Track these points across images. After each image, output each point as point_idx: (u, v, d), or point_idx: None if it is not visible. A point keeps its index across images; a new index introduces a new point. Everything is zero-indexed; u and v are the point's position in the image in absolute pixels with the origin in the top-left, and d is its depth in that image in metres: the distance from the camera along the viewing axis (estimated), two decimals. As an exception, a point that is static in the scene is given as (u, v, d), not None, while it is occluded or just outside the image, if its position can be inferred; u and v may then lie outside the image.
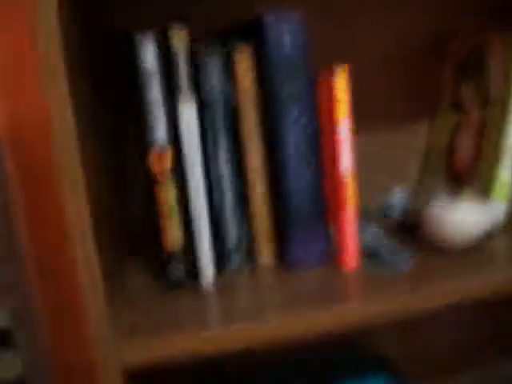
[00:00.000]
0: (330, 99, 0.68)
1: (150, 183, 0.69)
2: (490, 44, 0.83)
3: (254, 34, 0.70)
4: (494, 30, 0.83)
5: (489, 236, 0.77)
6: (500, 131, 0.79)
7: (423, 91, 0.92)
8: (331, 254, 0.74)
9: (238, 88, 0.70)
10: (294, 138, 0.69)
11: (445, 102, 0.90)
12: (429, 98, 0.92)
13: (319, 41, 0.86)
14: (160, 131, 0.67)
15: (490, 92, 0.82)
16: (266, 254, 0.74)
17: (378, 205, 0.90)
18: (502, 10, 0.92)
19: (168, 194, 0.68)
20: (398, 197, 0.89)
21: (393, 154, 0.92)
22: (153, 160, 0.67)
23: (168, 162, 0.68)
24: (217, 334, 0.57)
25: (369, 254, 0.75)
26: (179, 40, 0.66)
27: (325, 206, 0.73)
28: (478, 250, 0.73)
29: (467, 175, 0.85)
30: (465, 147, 0.85)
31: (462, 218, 0.71)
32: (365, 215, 0.89)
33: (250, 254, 0.74)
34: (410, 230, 0.81)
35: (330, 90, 0.68)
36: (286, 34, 0.68)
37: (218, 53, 0.69)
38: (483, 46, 0.85)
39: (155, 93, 0.66)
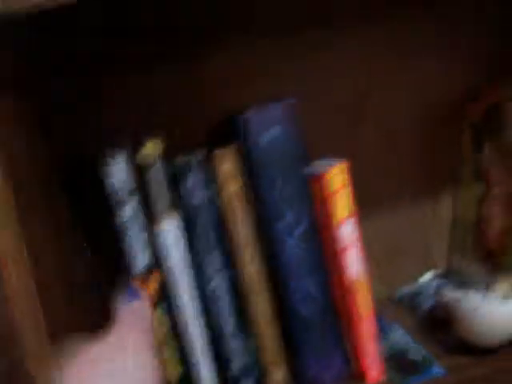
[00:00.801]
0: (330, 198, 0.61)
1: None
2: (506, 101, 0.75)
3: (236, 133, 0.63)
4: (509, 85, 0.74)
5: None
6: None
7: (442, 160, 0.83)
8: (351, 368, 0.65)
9: (225, 195, 0.63)
10: (291, 244, 0.62)
11: (467, 169, 0.81)
12: (449, 167, 0.83)
13: (319, 122, 0.79)
14: (141, 255, 0.60)
15: (514, 156, 0.73)
16: (277, 374, 0.65)
17: (405, 294, 0.81)
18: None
19: (159, 321, 0.61)
20: (427, 283, 0.79)
21: (416, 235, 0.82)
22: (137, 286, 0.60)
23: (154, 287, 0.61)
24: None
25: (395, 360, 0.65)
26: (154, 153, 0.60)
27: (337, 315, 0.64)
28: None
29: (501, 251, 0.75)
30: (495, 220, 0.75)
31: (498, 313, 0.61)
32: (391, 307, 0.80)
33: (261, 376, 0.65)
34: (441, 325, 0.71)
35: (328, 187, 0.61)
36: (271, 129, 0.61)
37: (198, 161, 0.62)
38: (501, 104, 0.76)
39: (132, 214, 0.60)
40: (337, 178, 0.60)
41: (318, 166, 0.64)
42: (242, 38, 0.75)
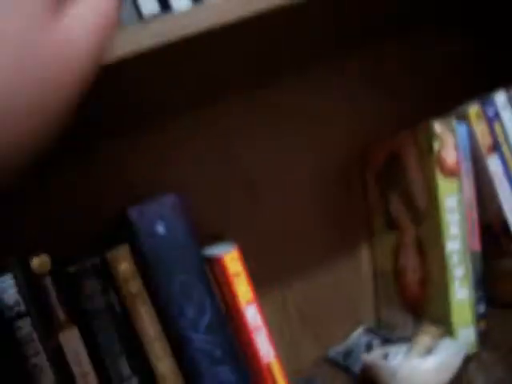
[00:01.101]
0: (229, 285, 0.60)
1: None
2: (405, 149, 0.75)
3: (127, 231, 0.62)
4: (406, 134, 0.75)
5: (465, 367, 0.66)
6: (440, 249, 0.69)
7: (352, 214, 0.83)
8: None
9: (125, 296, 0.61)
10: (197, 338, 0.60)
11: (377, 220, 0.81)
12: (360, 220, 0.83)
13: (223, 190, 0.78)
14: (45, 376, 0.58)
15: (416, 202, 0.73)
16: None
17: (337, 353, 0.80)
18: (411, 112, 0.85)
19: None
20: (357, 340, 0.78)
21: (341, 292, 0.82)
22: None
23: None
24: None
25: None
26: (44, 267, 0.59)
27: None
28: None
29: (422, 299, 0.75)
30: (410, 269, 0.75)
31: (419, 374, 0.60)
32: (324, 368, 0.78)
33: None
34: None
35: (225, 274, 0.60)
36: (159, 224, 0.60)
37: (92, 265, 0.61)
38: (398, 151, 0.77)
39: (28, 330, 0.58)
40: (230, 266, 0.59)
41: (213, 252, 0.63)
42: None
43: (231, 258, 0.59)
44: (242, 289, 0.59)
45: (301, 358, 0.79)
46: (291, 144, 0.80)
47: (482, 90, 0.82)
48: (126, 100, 0.59)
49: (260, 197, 0.79)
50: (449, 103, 0.84)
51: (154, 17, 0.53)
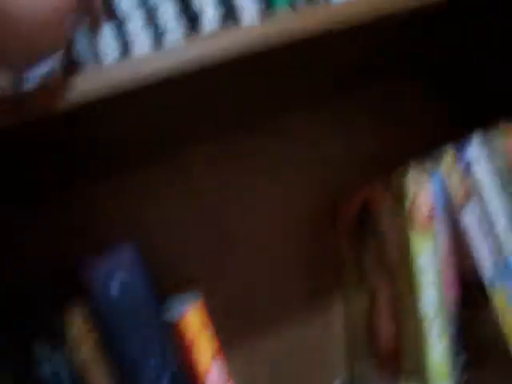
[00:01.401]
0: (190, 345, 0.56)
1: None
2: (378, 199, 0.73)
3: (81, 287, 0.59)
4: (379, 183, 0.72)
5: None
6: (415, 306, 0.66)
7: (327, 264, 0.80)
8: None
9: (79, 358, 0.57)
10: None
11: (350, 274, 0.78)
12: (331, 275, 0.80)
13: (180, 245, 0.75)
14: None
15: (389, 258, 0.70)
16: None
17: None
18: (381, 160, 0.83)
19: None
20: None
21: (313, 349, 0.78)
22: None
23: None
24: None
25: None
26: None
27: None
28: None
29: (397, 356, 0.71)
30: (384, 327, 0.72)
31: None
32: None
33: None
34: None
35: (187, 330, 0.56)
36: (114, 277, 0.56)
37: (44, 326, 0.57)
38: (371, 204, 0.74)
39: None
40: (193, 321, 0.56)
41: (174, 307, 0.60)
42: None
43: (194, 311, 0.56)
44: (206, 345, 0.56)
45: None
46: (264, 194, 0.78)
47: (456, 139, 0.80)
48: (86, 145, 0.57)
49: (232, 247, 0.76)
50: (424, 150, 0.82)
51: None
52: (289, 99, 0.72)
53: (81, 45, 0.50)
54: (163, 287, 0.66)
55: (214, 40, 0.45)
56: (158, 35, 0.51)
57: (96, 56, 0.51)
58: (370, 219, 0.73)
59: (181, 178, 0.74)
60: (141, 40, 0.51)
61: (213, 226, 0.75)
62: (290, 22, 0.47)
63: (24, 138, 0.46)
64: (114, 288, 0.56)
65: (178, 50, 0.45)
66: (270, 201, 0.78)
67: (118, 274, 0.56)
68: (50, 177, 0.63)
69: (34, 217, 0.69)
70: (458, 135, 0.81)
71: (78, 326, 0.57)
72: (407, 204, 0.66)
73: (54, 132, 0.47)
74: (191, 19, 0.52)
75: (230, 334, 0.75)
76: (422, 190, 0.67)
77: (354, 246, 0.76)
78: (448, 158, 0.69)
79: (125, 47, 0.52)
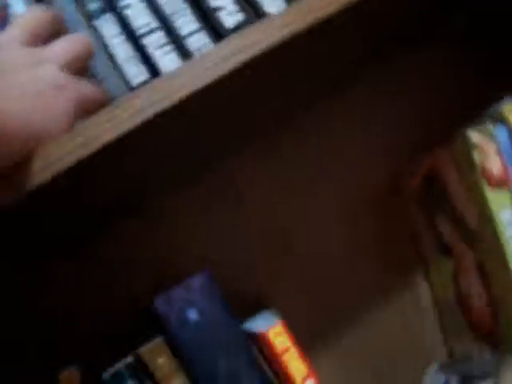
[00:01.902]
0: (279, 363, 0.53)
1: None
2: (442, 167, 0.68)
3: (156, 323, 0.57)
4: (440, 151, 0.68)
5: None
6: (505, 268, 0.61)
7: (399, 243, 0.75)
8: None
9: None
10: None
11: (428, 246, 0.73)
12: (408, 249, 0.76)
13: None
14: None
15: (467, 222, 0.65)
16: None
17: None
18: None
19: None
20: (433, 380, 0.70)
21: (405, 332, 0.74)
22: None
23: None
24: None
25: None
26: (72, 381, 0.53)
27: None
28: None
29: (493, 326, 0.67)
30: (475, 294, 0.67)
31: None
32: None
33: None
34: None
35: (273, 352, 0.53)
36: (190, 310, 0.54)
37: (128, 366, 0.55)
38: (436, 171, 0.69)
39: None
40: (279, 339, 0.53)
41: (255, 327, 0.57)
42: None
43: (276, 333, 0.53)
44: (295, 364, 0.53)
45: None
46: (323, 181, 0.74)
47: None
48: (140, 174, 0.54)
49: (294, 248, 0.73)
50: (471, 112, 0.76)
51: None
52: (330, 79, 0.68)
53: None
54: (237, 310, 0.63)
55: (249, 35, 0.42)
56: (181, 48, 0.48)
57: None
58: (439, 187, 0.69)
59: (229, 190, 0.71)
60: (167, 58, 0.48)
61: (274, 231, 0.72)
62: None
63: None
64: (191, 317, 0.54)
65: (212, 56, 0.41)
66: (331, 187, 0.74)
67: (192, 304, 0.54)
68: (117, 207, 0.61)
69: (102, 252, 0.67)
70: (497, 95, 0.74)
71: (163, 359, 0.55)
72: (477, 163, 0.61)
73: (115, 160, 0.45)
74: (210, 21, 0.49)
75: (314, 339, 0.71)
76: (490, 145, 0.62)
77: (427, 218, 0.72)
78: (508, 102, 0.64)
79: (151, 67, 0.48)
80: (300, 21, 0.43)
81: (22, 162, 0.38)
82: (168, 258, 0.68)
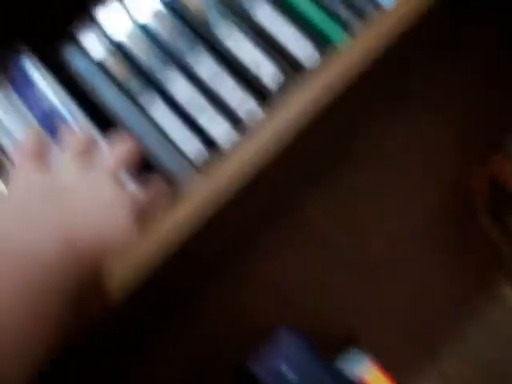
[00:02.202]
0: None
1: None
2: (506, 171, 0.67)
3: None
4: (499, 154, 0.67)
5: None
6: None
7: (478, 251, 0.74)
8: None
9: None
10: None
11: (508, 251, 0.72)
12: (488, 255, 0.74)
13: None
14: None
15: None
16: None
17: None
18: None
19: None
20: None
21: (500, 340, 0.73)
22: None
23: None
24: None
25: None
26: None
27: None
28: None
29: None
30: None
31: None
32: None
33: None
34: None
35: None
36: (284, 370, 0.55)
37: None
38: (499, 175, 0.69)
39: None
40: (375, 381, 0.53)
41: (348, 372, 0.57)
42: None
43: (375, 378, 0.53)
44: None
45: None
46: (390, 201, 0.73)
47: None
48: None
49: (375, 273, 0.72)
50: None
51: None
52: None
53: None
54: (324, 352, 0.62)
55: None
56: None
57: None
58: (505, 194, 0.68)
59: (300, 227, 0.72)
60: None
61: (349, 264, 0.72)
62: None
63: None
64: (289, 377, 0.54)
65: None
66: (398, 205, 0.73)
67: (287, 361, 0.54)
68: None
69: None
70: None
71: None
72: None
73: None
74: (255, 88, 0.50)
75: (412, 362, 0.70)
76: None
77: (502, 223, 0.71)
78: None
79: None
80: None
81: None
82: (250, 316, 0.69)
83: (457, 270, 0.73)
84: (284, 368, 0.54)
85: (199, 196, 0.41)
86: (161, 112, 0.50)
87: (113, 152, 0.43)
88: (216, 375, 0.67)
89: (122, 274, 0.40)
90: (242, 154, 0.43)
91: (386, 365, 0.56)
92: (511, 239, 0.70)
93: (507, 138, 0.65)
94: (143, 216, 0.43)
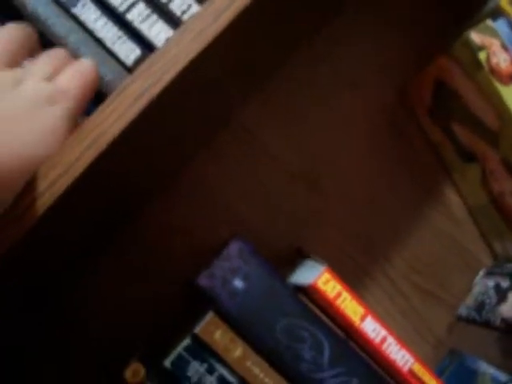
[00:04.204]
0: (334, 309, 0.53)
1: None
2: (449, 74, 0.66)
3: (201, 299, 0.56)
4: (443, 58, 0.65)
5: None
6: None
7: (419, 157, 0.74)
8: None
9: (231, 364, 0.55)
10: (327, 375, 0.54)
11: (450, 155, 0.72)
12: (430, 160, 0.74)
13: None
14: None
15: (485, 124, 0.64)
16: None
17: (469, 311, 0.72)
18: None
19: None
20: (483, 287, 0.70)
21: (444, 246, 0.74)
22: None
23: None
24: None
25: None
26: (136, 376, 0.53)
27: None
28: None
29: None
30: (508, 192, 0.66)
31: None
32: (462, 332, 0.71)
33: None
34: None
35: (325, 300, 0.53)
36: (234, 281, 0.53)
37: (184, 350, 0.55)
38: (442, 79, 0.67)
39: None
40: (328, 286, 0.52)
41: (302, 279, 0.56)
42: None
43: (324, 282, 0.52)
44: (350, 307, 0.53)
45: (434, 331, 0.72)
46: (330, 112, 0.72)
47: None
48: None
49: (320, 183, 0.71)
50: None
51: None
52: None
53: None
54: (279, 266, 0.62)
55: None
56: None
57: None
58: (449, 95, 0.67)
59: (243, 137, 0.69)
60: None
61: (293, 174, 0.71)
62: None
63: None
64: (238, 286, 0.53)
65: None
66: (343, 113, 0.72)
67: (236, 273, 0.53)
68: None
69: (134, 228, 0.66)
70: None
71: (220, 332, 0.55)
72: (483, 63, 0.59)
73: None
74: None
75: (359, 272, 0.71)
76: (494, 42, 0.60)
77: (443, 128, 0.70)
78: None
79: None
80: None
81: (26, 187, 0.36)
82: (198, 231, 0.67)
83: (401, 177, 0.73)
84: (236, 281, 0.53)
85: (131, 96, 0.38)
86: (88, 10, 0.45)
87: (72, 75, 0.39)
88: (168, 291, 0.66)
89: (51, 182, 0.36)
90: (176, 51, 0.39)
91: (340, 270, 0.56)
92: (453, 141, 0.70)
93: (452, 38, 0.63)
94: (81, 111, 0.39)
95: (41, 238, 0.41)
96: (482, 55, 0.59)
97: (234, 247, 0.53)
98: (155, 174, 0.59)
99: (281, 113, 0.71)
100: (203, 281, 0.53)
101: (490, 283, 0.70)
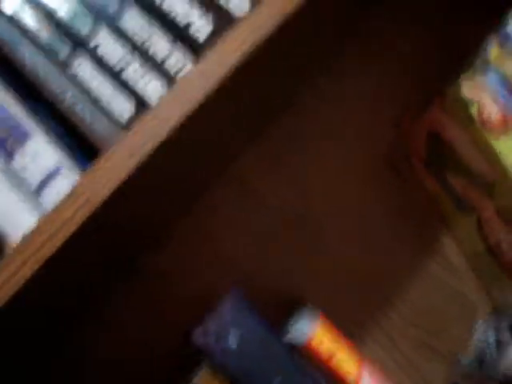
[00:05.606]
0: (329, 364, 0.52)
1: None
2: (440, 125, 0.67)
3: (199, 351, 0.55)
4: (434, 109, 0.66)
5: None
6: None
7: (415, 206, 0.74)
8: None
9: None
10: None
11: (445, 205, 0.72)
12: (425, 210, 0.75)
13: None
14: None
15: (480, 174, 0.64)
16: None
17: (470, 361, 0.71)
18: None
19: None
20: (484, 339, 0.69)
21: (443, 295, 0.73)
22: None
23: None
24: None
25: None
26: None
27: None
28: None
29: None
30: (505, 242, 0.66)
31: None
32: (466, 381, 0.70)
33: None
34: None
35: (320, 357, 0.52)
36: (230, 334, 0.53)
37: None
38: (435, 130, 0.68)
39: None
40: (324, 343, 0.52)
41: (296, 333, 0.56)
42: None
43: (317, 343, 0.52)
44: (346, 366, 0.52)
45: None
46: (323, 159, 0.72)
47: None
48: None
49: (318, 229, 0.71)
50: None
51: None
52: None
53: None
54: (273, 314, 0.61)
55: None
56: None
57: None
58: (443, 146, 0.67)
59: (237, 185, 0.70)
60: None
61: (291, 220, 0.71)
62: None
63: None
64: (233, 343, 0.52)
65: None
66: (341, 155, 0.73)
67: (231, 330, 0.52)
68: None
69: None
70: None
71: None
72: (475, 116, 0.60)
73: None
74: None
75: (359, 316, 0.70)
76: (483, 92, 0.61)
77: (438, 177, 0.71)
78: (493, 46, 0.62)
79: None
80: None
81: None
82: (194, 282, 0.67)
83: (398, 224, 0.73)
84: (229, 339, 0.53)
85: (124, 153, 0.38)
86: (84, 69, 0.46)
87: None
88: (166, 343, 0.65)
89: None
90: (170, 108, 0.40)
91: (336, 321, 0.55)
92: (449, 191, 0.70)
93: (444, 87, 0.64)
94: None
95: (29, 302, 0.41)
96: (473, 109, 0.60)
97: (228, 303, 0.53)
98: (150, 227, 0.59)
99: (276, 164, 0.71)
100: (197, 338, 0.53)
101: (490, 330, 0.70)
